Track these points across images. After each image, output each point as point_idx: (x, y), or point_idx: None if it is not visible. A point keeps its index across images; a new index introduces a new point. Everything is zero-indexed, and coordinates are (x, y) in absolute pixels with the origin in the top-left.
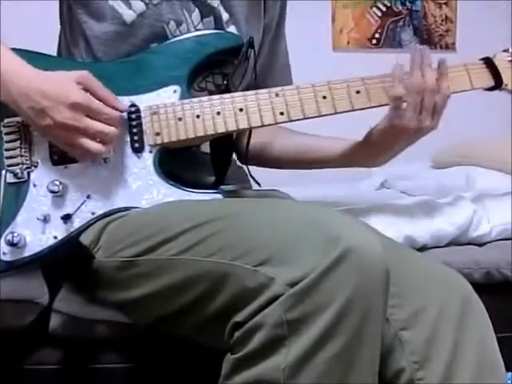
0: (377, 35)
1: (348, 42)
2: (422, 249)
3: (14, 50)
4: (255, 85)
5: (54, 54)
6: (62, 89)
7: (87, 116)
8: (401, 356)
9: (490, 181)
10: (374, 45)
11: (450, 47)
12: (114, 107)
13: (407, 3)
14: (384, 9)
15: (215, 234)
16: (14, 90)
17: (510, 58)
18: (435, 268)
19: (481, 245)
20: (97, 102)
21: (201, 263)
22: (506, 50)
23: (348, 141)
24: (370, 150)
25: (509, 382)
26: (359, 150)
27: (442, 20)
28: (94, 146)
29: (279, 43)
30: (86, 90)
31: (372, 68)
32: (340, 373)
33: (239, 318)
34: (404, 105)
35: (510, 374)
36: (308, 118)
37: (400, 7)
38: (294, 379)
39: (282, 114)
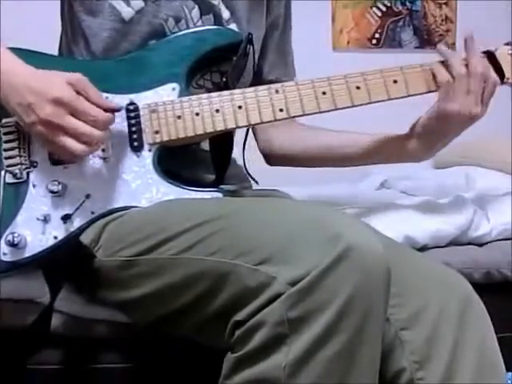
0: (377, 35)
1: (348, 42)
2: (422, 249)
3: (13, 49)
4: (255, 82)
5: (55, 53)
6: (47, 84)
7: (72, 115)
8: (401, 356)
9: (490, 181)
10: (374, 45)
11: (450, 47)
12: (106, 110)
13: (407, 3)
14: (384, 9)
15: (216, 233)
16: (4, 86)
17: (511, 52)
18: (435, 268)
19: (481, 245)
20: (84, 102)
21: (202, 262)
22: (507, 44)
23: (380, 135)
24: (419, 143)
25: (509, 382)
26: (403, 143)
27: (442, 20)
28: (76, 146)
29: (287, 41)
30: (77, 91)
31: (372, 68)
32: (341, 372)
33: (240, 316)
34: (452, 91)
35: (510, 374)
36: (308, 115)
37: (400, 7)
38: (295, 378)
39: (281, 110)
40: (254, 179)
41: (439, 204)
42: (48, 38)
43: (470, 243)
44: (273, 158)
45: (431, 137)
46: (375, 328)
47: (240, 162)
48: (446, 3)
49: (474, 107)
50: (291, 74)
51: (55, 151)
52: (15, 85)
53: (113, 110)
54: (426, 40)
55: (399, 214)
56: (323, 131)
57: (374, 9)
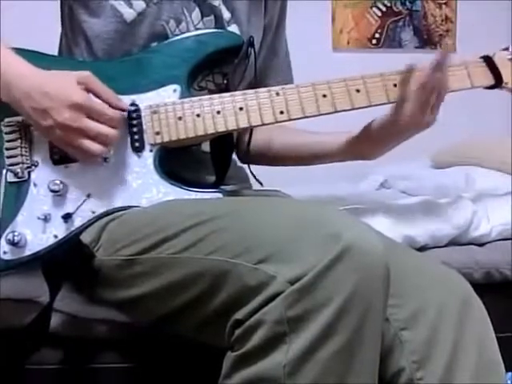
0: (377, 35)
1: (348, 42)
2: (422, 249)
3: (14, 49)
4: (256, 83)
5: (55, 54)
6: (64, 90)
7: (88, 117)
8: (400, 356)
9: (490, 181)
10: (374, 45)
11: (449, 47)
12: (116, 107)
13: (407, 3)
14: (384, 9)
15: (216, 232)
16: (16, 90)
17: (510, 57)
18: (435, 268)
19: (481, 245)
20: (98, 102)
21: (201, 261)
22: (505, 49)
23: (346, 134)
24: (369, 143)
25: (509, 382)
26: (357, 142)
27: (442, 20)
28: (94, 147)
29: (279, 43)
30: (88, 90)
31: (372, 68)
32: (340, 371)
33: (240, 315)
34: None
35: (510, 374)
36: (308, 117)
37: (400, 7)
38: (295, 376)
39: (281, 112)
40: (258, 180)
41: (439, 204)
42: (48, 38)
43: (469, 243)
44: (245, 156)
45: (386, 140)
46: (374, 327)
47: (240, 163)
48: (445, 3)
49: (428, 117)
50: (285, 73)
51: (74, 153)
52: (25, 87)
53: (120, 109)
54: (425, 40)
55: (399, 213)
56: (297, 130)
57: (374, 9)
